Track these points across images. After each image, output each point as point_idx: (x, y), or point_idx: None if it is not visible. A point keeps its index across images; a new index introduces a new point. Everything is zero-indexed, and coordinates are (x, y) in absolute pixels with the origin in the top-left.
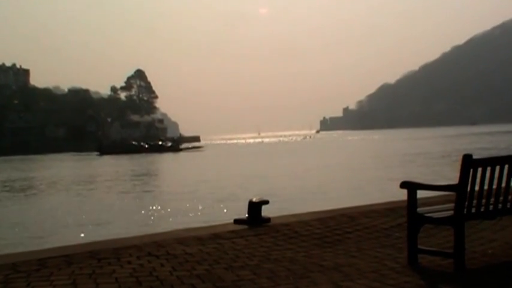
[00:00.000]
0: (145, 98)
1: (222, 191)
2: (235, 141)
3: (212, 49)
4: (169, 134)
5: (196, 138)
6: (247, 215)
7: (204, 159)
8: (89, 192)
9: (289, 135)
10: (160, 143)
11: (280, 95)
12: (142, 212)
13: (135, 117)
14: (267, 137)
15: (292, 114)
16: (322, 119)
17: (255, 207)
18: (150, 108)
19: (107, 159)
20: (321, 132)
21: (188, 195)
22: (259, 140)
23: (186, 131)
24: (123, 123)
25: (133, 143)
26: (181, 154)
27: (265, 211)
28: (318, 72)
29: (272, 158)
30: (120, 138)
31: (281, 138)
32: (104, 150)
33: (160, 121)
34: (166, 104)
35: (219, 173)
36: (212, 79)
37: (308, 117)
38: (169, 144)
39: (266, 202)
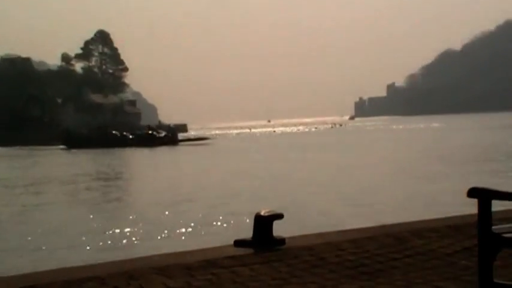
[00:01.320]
0: (110, 71)
1: (225, 200)
2: (235, 131)
3: (203, 8)
4: (144, 121)
5: (182, 128)
6: (252, 234)
7: (210, 155)
8: (42, 200)
9: (311, 124)
10: (150, 132)
11: (297, 69)
12: (113, 230)
13: (97, 98)
14: (281, 125)
15: (314, 95)
16: (357, 100)
17: (263, 223)
18: (118, 85)
19: (78, 155)
20: (357, 119)
21: (179, 207)
22: (270, 129)
23: (167, 117)
24: (79, 106)
25: (114, 132)
26: (181, 148)
27: (279, 229)
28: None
29: (291, 154)
30: (78, 126)
31: (300, 128)
32: (72, 143)
33: (132, 103)
34: (140, 81)
35: (225, 174)
36: (204, 49)
37: (337, 99)
38: (163, 134)
39: (279, 216)
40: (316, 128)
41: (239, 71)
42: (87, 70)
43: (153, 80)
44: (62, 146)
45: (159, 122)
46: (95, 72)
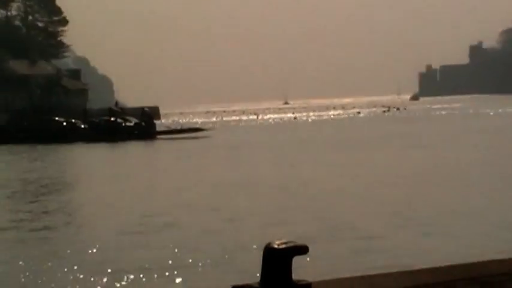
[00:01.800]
0: (39, 24)
1: (223, 224)
2: (233, 117)
3: None
4: (94, 102)
5: (152, 112)
6: (260, 277)
7: (205, 156)
8: None
9: (350, 107)
10: (113, 119)
11: (327, 29)
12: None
13: (18, 65)
14: (303, 108)
15: (355, 66)
16: (423, 70)
17: (277, 259)
18: (52, 46)
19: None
20: (422, 99)
21: (155, 235)
22: (289, 115)
23: (130, 97)
24: None
25: (57, 119)
26: (160, 145)
27: (301, 268)
28: None
29: (325, 153)
30: None
31: (334, 113)
32: None
33: (75, 74)
34: (87, 42)
35: (225, 185)
36: (191, 14)
37: (391, 70)
38: (132, 122)
39: (302, 249)
40: (359, 112)
41: (240, 41)
42: (2, 23)
43: (107, 41)
44: None
45: (116, 103)
46: (16, 26)
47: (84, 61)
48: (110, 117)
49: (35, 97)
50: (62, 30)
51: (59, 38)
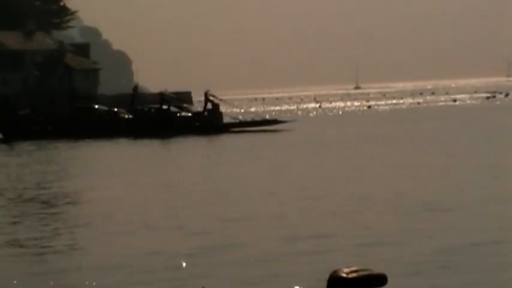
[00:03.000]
0: None
1: (288, 247)
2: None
3: None
4: (108, 86)
5: (184, 99)
6: None
7: (304, 158)
8: None
9: (440, 91)
10: (165, 107)
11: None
12: None
13: (11, 39)
14: (379, 94)
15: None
16: None
17: None
18: (54, 13)
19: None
20: None
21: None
22: (364, 102)
23: (153, 80)
24: None
25: (97, 107)
26: (235, 141)
27: None
28: None
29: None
30: None
31: (420, 101)
32: (15, 132)
33: (82, 49)
34: (98, 11)
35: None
36: None
37: (494, 49)
38: (189, 112)
39: (379, 280)
40: (455, 100)
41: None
42: None
43: (124, 8)
44: None
45: (136, 87)
46: None
47: (94, 33)
48: (161, 104)
49: (31, 78)
50: None
51: (61, 3)
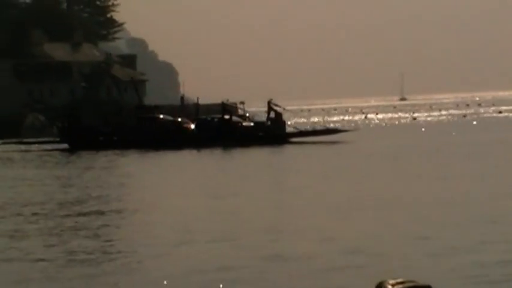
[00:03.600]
0: None
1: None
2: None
3: None
4: (153, 98)
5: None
6: None
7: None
8: None
9: (487, 103)
10: (227, 117)
11: None
12: None
13: (55, 49)
14: (426, 106)
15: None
16: None
17: None
18: (101, 25)
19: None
20: None
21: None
22: (409, 114)
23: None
24: (20, 64)
25: (163, 117)
26: (297, 153)
27: None
28: None
29: None
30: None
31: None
32: (80, 142)
33: (129, 60)
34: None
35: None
36: None
37: None
38: (250, 122)
39: None
40: (500, 112)
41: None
42: None
43: (170, 19)
44: (62, 145)
45: (182, 98)
46: None
47: (141, 44)
48: (223, 114)
49: (78, 90)
50: (113, 4)
51: (109, 15)
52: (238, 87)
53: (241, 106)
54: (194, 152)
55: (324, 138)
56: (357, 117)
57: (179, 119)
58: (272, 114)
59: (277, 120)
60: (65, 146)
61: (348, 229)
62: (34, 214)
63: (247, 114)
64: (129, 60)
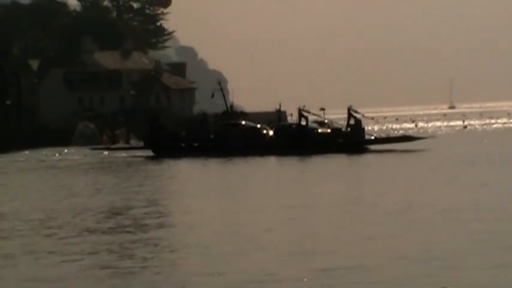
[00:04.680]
0: (135, 6)
1: None
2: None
3: None
4: (202, 106)
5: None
6: None
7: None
8: None
9: None
10: (303, 123)
11: None
12: None
13: (105, 57)
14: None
15: None
16: None
17: None
18: (151, 33)
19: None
20: None
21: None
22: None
23: (247, 100)
24: (72, 73)
25: (243, 123)
26: (378, 161)
27: None
28: None
29: None
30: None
31: None
32: (164, 149)
33: (178, 68)
34: (194, 31)
35: None
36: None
37: None
38: (327, 129)
39: None
40: None
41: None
42: (88, 4)
43: (220, 27)
44: (148, 152)
45: (231, 107)
46: (104, 7)
47: (190, 52)
48: (300, 120)
49: (127, 97)
50: (163, 13)
51: (158, 23)
52: (287, 96)
53: (320, 113)
54: (272, 159)
55: (400, 146)
56: (407, 125)
57: (258, 125)
58: (352, 121)
59: (357, 127)
60: (149, 153)
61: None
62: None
63: (326, 121)
64: (178, 68)
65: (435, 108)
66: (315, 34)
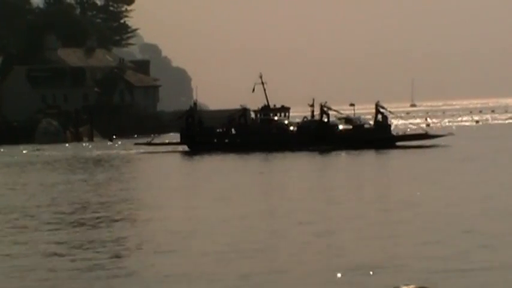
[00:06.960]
0: (99, 3)
1: None
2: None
3: None
4: (166, 103)
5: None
6: None
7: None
8: None
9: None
10: (325, 119)
11: None
12: None
13: (68, 54)
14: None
15: None
16: None
17: None
18: (115, 30)
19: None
20: None
21: None
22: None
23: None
24: (36, 70)
25: (277, 118)
26: (412, 157)
27: None
28: None
29: None
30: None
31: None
32: (200, 144)
33: (142, 66)
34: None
35: None
36: None
37: None
38: (351, 124)
39: None
40: None
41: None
42: (50, 3)
43: (185, 24)
44: (181, 146)
45: (195, 104)
46: (68, 4)
47: (154, 50)
48: (321, 117)
49: (91, 95)
50: (127, 10)
51: (122, 20)
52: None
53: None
54: (292, 154)
55: (423, 143)
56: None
57: (286, 121)
58: (379, 117)
59: (383, 123)
60: (185, 148)
61: None
62: None
63: (348, 117)
64: (142, 66)
65: (397, 107)
66: (282, 29)
